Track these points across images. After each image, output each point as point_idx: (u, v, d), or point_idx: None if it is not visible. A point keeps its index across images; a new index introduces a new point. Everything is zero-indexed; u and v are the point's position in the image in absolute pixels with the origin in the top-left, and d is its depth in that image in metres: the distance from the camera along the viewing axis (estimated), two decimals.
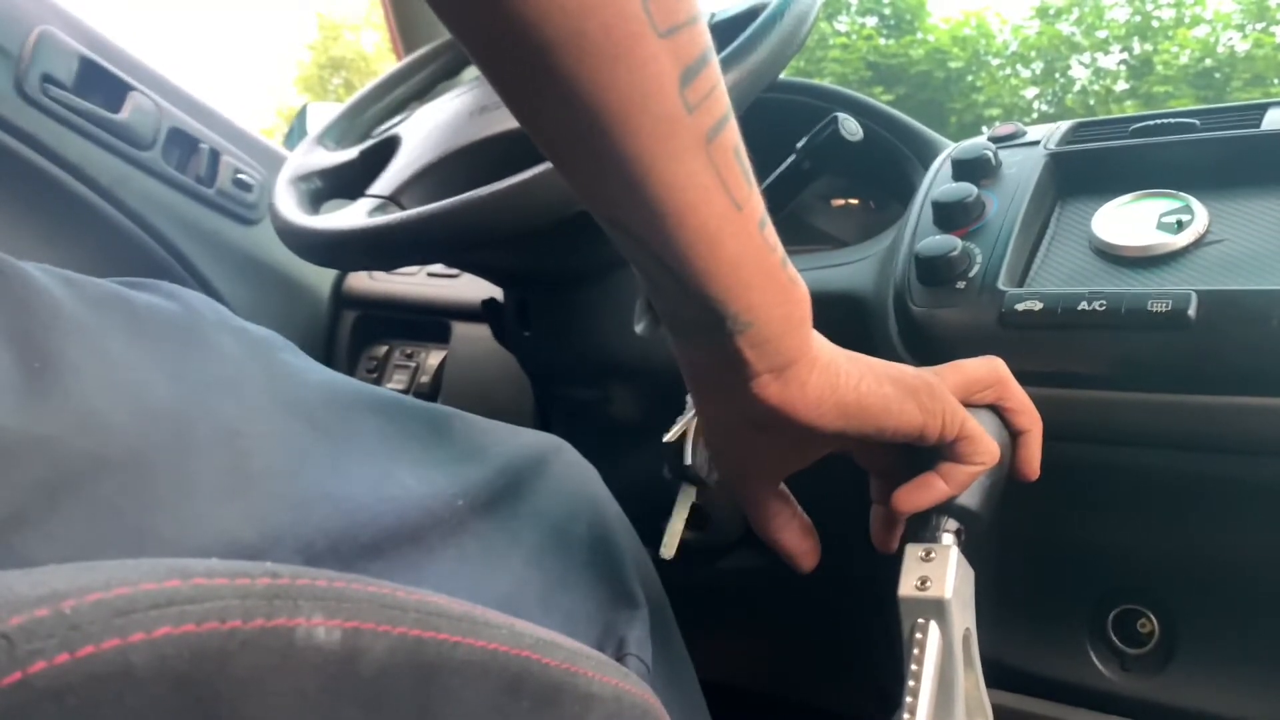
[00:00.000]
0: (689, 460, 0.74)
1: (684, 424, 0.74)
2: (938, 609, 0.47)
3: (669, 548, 0.73)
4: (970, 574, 0.50)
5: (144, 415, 0.37)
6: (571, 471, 0.56)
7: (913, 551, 0.50)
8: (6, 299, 0.37)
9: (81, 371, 0.36)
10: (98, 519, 0.33)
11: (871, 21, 13.12)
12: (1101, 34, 12.21)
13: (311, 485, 0.40)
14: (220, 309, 0.47)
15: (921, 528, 0.51)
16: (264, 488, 0.38)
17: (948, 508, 0.51)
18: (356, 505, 0.41)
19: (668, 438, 0.73)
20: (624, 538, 0.56)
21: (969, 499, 0.51)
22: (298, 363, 0.48)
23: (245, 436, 0.40)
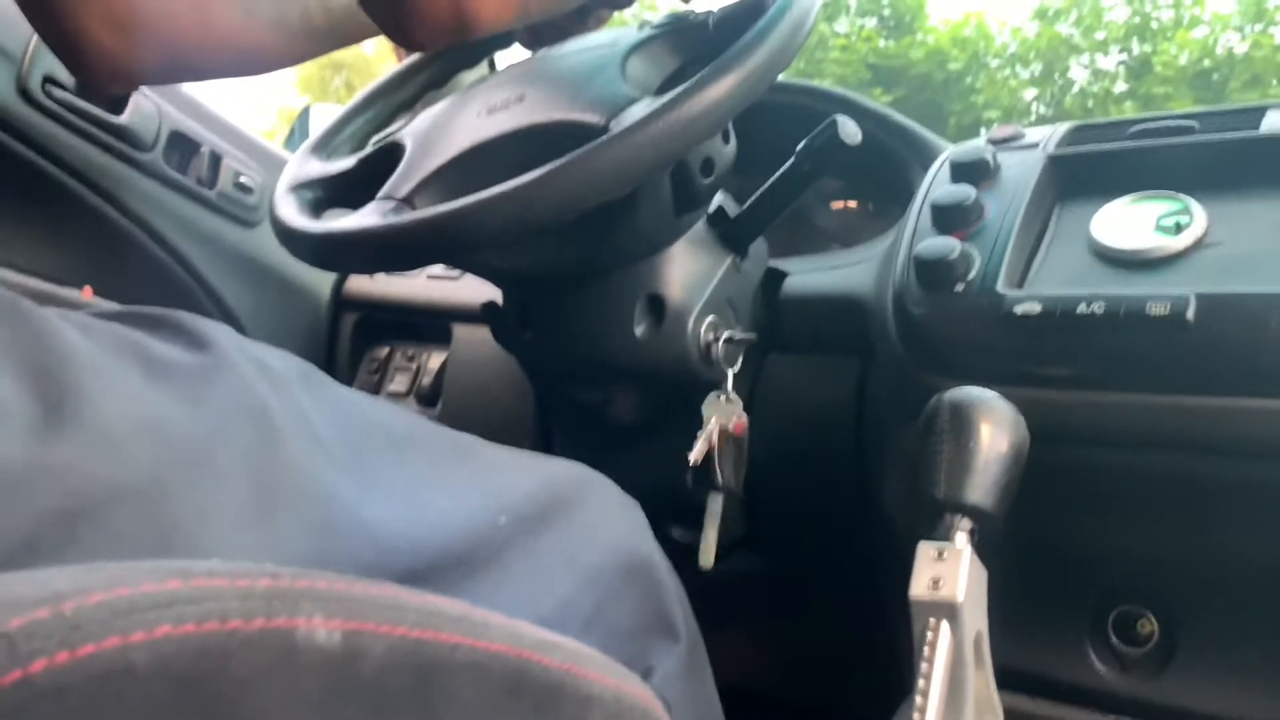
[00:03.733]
0: (719, 477, 0.74)
1: (706, 440, 0.74)
2: (950, 610, 0.47)
3: (707, 556, 0.74)
4: (983, 574, 0.50)
5: (162, 442, 0.36)
6: (613, 498, 0.56)
7: (925, 550, 0.49)
8: (25, 335, 0.37)
9: (99, 401, 0.36)
10: (113, 549, 0.32)
11: (871, 23, 13.11)
12: (1100, 35, 12.20)
13: (338, 514, 0.40)
14: (239, 338, 0.47)
15: (934, 527, 0.51)
16: (287, 516, 0.38)
17: (961, 507, 0.51)
18: (394, 534, 0.41)
19: (694, 458, 0.73)
20: (667, 569, 0.56)
21: (984, 499, 0.51)
22: (318, 393, 0.48)
23: (266, 465, 0.39)
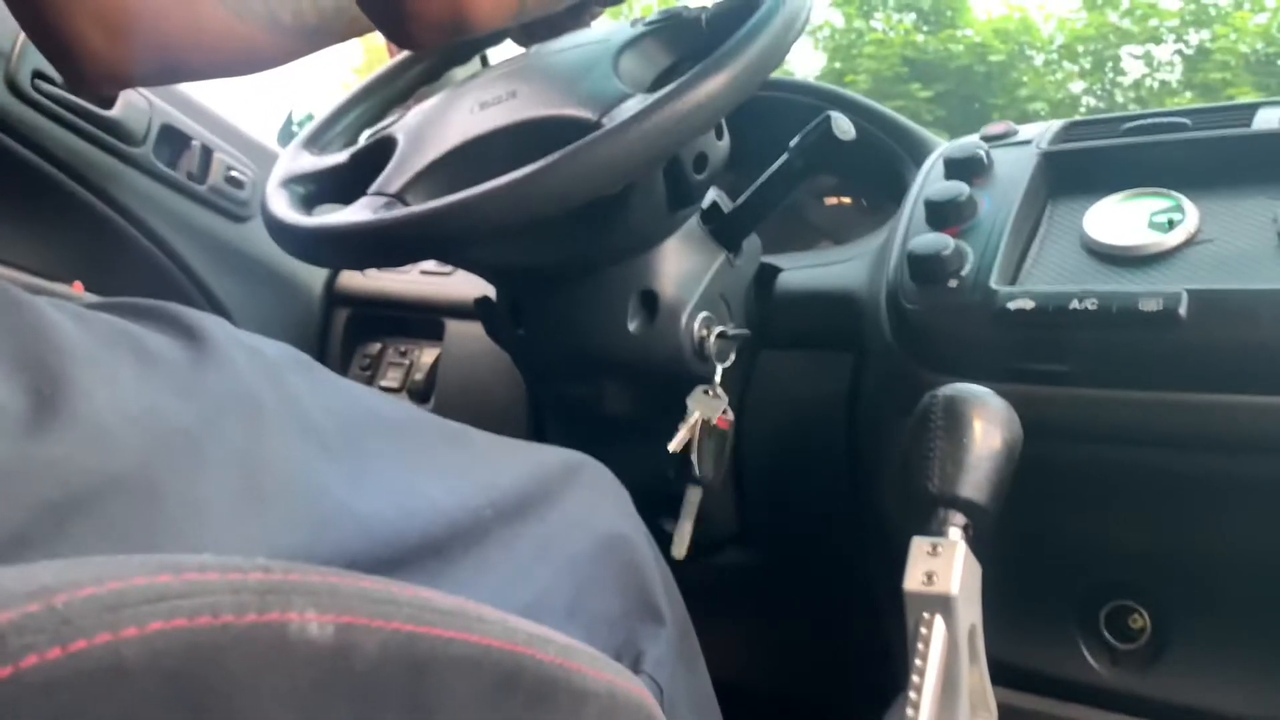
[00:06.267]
0: (697, 470, 0.75)
1: (687, 430, 0.74)
2: (944, 604, 0.47)
3: (680, 547, 0.74)
4: (977, 569, 0.50)
5: (154, 434, 0.36)
6: (601, 484, 0.56)
7: (919, 545, 0.49)
8: (18, 327, 0.36)
9: (92, 394, 0.35)
10: (105, 540, 0.32)
11: (909, 18, 12.77)
12: (1154, 23, 11.74)
13: (328, 505, 0.40)
14: (231, 329, 0.46)
15: (928, 522, 0.51)
16: (277, 508, 0.38)
17: (955, 502, 0.51)
18: (380, 522, 0.41)
19: (673, 447, 0.73)
20: (652, 555, 0.56)
21: (978, 494, 0.51)
22: (312, 381, 0.47)
23: (258, 456, 0.39)
